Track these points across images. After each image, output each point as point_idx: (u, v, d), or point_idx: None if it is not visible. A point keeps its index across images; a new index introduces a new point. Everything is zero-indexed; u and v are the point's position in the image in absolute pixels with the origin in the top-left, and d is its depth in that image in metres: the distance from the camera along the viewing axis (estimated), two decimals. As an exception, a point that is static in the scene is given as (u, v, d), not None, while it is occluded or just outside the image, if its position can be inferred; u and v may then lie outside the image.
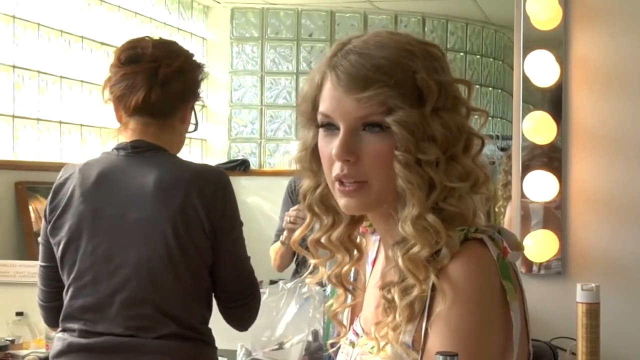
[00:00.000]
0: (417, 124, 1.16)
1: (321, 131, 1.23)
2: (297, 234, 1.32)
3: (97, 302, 2.00)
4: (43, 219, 2.10)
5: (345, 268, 1.32)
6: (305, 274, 1.36)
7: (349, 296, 1.34)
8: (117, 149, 2.09)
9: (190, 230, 1.99)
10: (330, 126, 1.21)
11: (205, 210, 1.99)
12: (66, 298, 2.05)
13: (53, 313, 2.11)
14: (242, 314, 2.14)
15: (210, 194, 2.01)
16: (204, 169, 2.12)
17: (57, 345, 2.05)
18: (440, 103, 1.18)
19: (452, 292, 1.12)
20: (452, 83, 1.22)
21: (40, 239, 2.13)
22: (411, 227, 1.16)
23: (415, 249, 1.16)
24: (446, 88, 1.19)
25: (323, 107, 1.21)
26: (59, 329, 2.08)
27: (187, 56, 2.13)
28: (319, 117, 1.22)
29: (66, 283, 2.05)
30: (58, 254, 2.04)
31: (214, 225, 2.01)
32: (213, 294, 2.10)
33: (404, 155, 1.16)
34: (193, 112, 2.17)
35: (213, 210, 2.01)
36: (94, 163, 2.09)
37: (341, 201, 1.22)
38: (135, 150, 2.06)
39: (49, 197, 2.08)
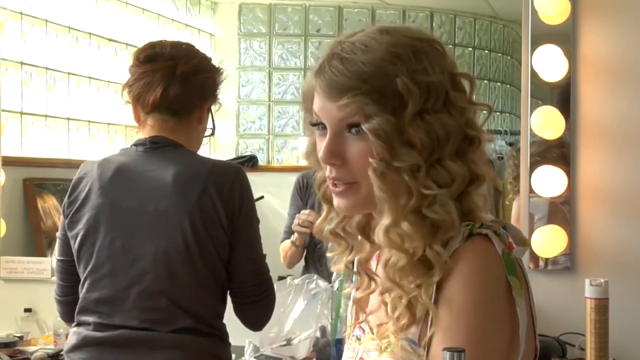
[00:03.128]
0: (392, 131, 1.13)
1: (316, 130, 1.23)
2: (318, 223, 1.30)
3: (114, 294, 2.02)
4: (61, 214, 2.12)
5: (365, 255, 1.30)
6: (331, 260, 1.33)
7: (372, 283, 1.30)
8: (136, 144, 2.12)
9: (208, 223, 2.01)
10: (321, 126, 1.21)
11: (223, 204, 2.01)
12: (82, 291, 2.06)
13: (69, 307, 2.12)
14: (257, 310, 2.15)
15: (228, 189, 2.03)
16: (222, 165, 2.16)
17: (71, 340, 2.06)
18: (428, 105, 1.15)
19: (457, 291, 1.12)
20: (443, 82, 1.16)
21: (58, 234, 2.16)
22: (383, 236, 1.16)
23: (393, 259, 1.16)
24: (434, 88, 1.15)
25: (314, 106, 1.21)
26: (74, 323, 2.09)
27: (204, 57, 2.18)
28: (313, 115, 1.22)
29: (82, 276, 2.06)
30: (75, 246, 2.06)
31: (231, 219, 2.03)
32: (228, 291, 2.11)
33: (378, 163, 1.14)
34: (210, 115, 2.19)
35: (230, 205, 2.03)
36: (112, 158, 2.12)
37: (334, 202, 1.22)
38: (153, 145, 2.09)
39: (68, 191, 2.11)
